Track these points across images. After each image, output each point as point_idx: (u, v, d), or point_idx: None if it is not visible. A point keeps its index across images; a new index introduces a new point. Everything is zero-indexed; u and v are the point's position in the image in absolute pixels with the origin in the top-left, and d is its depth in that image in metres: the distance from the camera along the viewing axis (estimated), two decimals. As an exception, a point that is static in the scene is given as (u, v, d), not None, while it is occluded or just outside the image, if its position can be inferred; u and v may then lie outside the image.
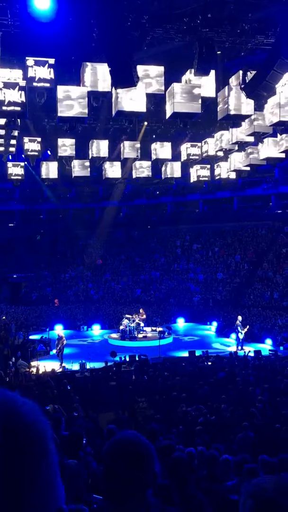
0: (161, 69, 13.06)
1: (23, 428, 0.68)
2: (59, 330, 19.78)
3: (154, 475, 1.71)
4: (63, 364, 18.91)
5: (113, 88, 12.42)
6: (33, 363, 18.70)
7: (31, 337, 24.63)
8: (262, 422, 9.73)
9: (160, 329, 24.17)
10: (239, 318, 22.84)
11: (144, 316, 25.37)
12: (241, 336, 22.12)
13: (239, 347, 21.94)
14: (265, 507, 1.08)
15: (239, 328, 22.14)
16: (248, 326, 22.59)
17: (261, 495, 1.09)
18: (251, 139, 16.30)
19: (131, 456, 1.67)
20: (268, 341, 23.42)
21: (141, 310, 26.04)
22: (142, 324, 25.14)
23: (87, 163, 21.11)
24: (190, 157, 19.77)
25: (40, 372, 17.21)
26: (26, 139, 18.28)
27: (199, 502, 4.02)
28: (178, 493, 3.90)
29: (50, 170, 21.61)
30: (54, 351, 18.95)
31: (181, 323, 29.46)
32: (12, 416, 0.68)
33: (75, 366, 17.96)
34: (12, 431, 0.67)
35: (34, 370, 17.45)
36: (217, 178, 22.82)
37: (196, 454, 6.13)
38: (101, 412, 12.29)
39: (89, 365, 18.02)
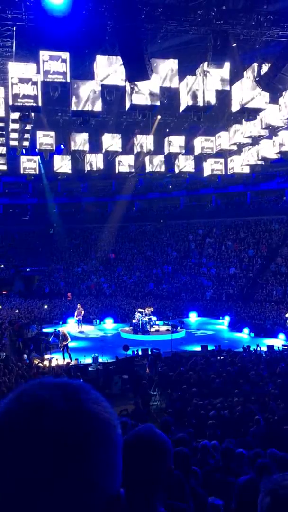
0: (175, 62, 12.99)
1: (86, 419, 0.70)
2: (63, 329, 19.95)
3: (169, 469, 1.73)
4: (68, 360, 18.87)
5: (127, 82, 12.40)
6: (46, 356, 18.86)
7: (44, 330, 24.84)
8: (275, 416, 9.71)
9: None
10: None
11: (82, 312, 25.59)
12: None
13: None
14: (282, 506, 1.08)
15: None
16: None
17: (279, 494, 1.09)
18: (266, 132, 16.17)
19: (148, 450, 1.69)
20: (281, 336, 23.26)
21: (78, 305, 26.25)
22: (154, 318, 25.17)
23: (100, 157, 21.12)
24: (204, 150, 19.67)
25: (53, 364, 17.34)
26: (39, 133, 18.33)
27: (200, 496, 4.04)
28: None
29: (63, 164, 21.66)
30: (59, 345, 19.28)
31: (193, 318, 29.42)
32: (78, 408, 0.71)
33: (88, 360, 18.08)
34: (75, 421, 0.70)
35: (47, 362, 17.58)
36: (230, 172, 22.67)
37: (210, 447, 6.14)
38: (114, 405, 12.36)
39: (101, 359, 18.11)
